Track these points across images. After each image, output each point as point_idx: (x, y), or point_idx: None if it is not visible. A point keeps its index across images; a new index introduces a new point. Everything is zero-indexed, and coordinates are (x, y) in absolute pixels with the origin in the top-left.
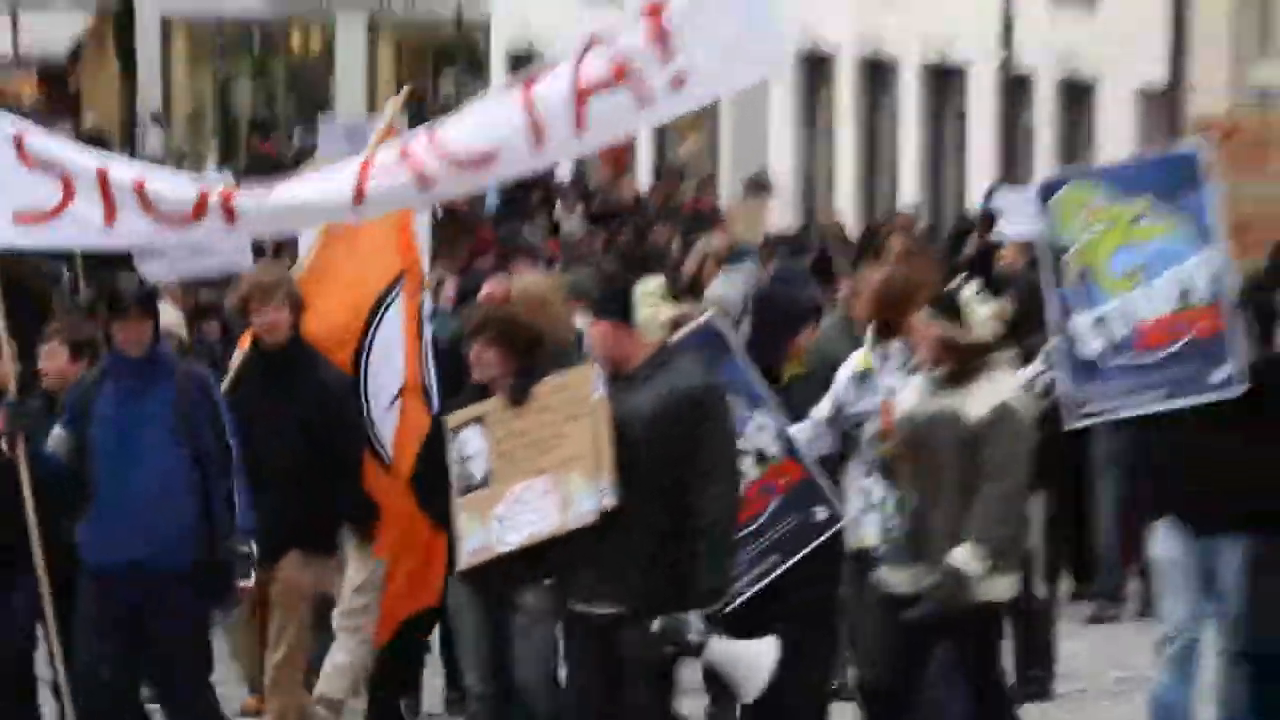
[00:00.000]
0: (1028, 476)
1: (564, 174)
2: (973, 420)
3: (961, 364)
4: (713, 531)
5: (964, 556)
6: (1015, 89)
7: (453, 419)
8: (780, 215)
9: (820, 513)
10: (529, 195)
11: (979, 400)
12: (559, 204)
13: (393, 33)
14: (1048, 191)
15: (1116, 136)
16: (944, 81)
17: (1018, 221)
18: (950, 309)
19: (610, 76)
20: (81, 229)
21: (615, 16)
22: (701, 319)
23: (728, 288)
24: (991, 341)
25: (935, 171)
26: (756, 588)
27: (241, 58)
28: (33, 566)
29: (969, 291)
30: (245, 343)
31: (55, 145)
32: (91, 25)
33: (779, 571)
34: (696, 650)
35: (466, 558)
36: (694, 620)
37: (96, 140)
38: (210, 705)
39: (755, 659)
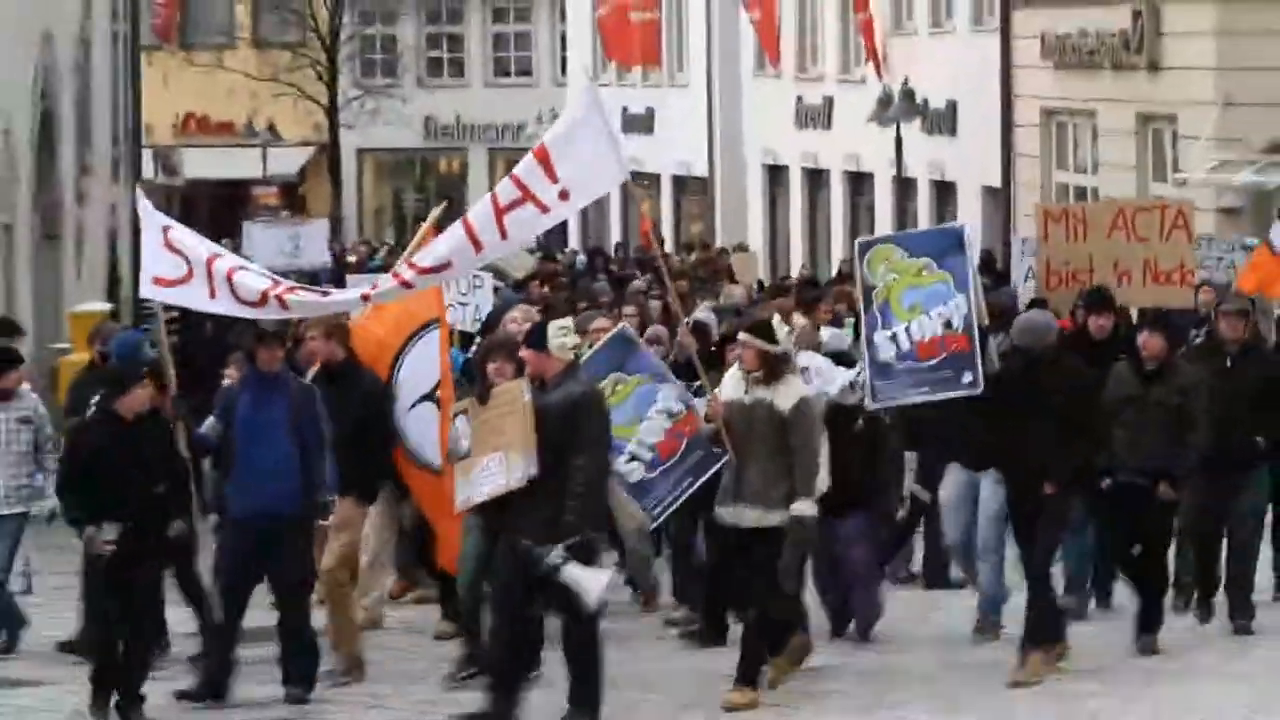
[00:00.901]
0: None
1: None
2: (784, 410)
3: (771, 369)
4: (585, 490)
5: (802, 506)
6: (904, 188)
7: (453, 408)
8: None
9: (716, 447)
10: (595, 259)
11: (785, 396)
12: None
13: (504, 156)
14: (864, 248)
15: (970, 219)
16: (858, 183)
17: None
18: (765, 330)
19: (518, 198)
20: (194, 299)
21: (645, 140)
22: (614, 329)
23: (703, 313)
24: (790, 352)
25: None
26: (681, 500)
27: (408, 175)
28: (183, 509)
29: (777, 318)
30: (317, 363)
31: (189, 237)
32: (313, 155)
33: (694, 488)
34: (555, 572)
35: (460, 504)
36: (556, 550)
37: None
38: (308, 601)
39: (591, 582)
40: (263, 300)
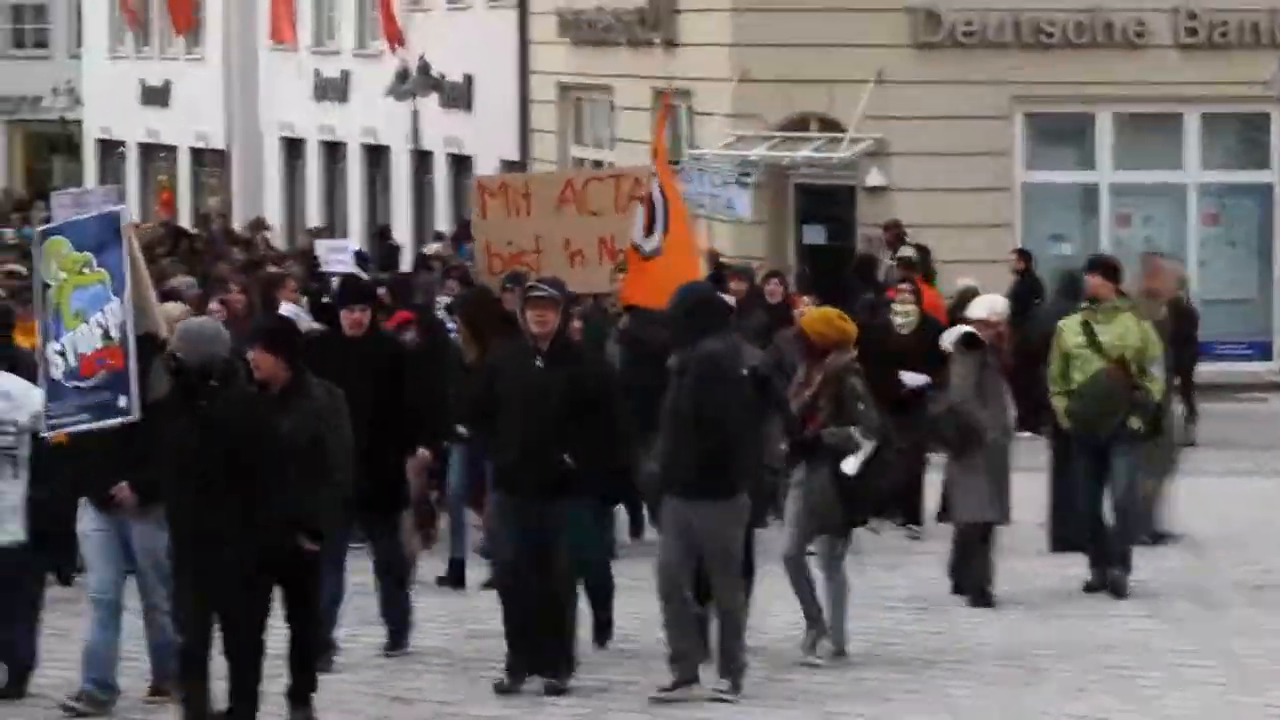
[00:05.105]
0: None
1: None
2: None
3: None
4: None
5: None
6: (422, 161)
7: None
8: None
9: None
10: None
11: None
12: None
13: (21, 129)
14: (41, 240)
15: None
16: (376, 156)
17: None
18: None
19: None
20: None
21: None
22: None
23: None
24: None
25: (372, 214)
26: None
27: None
28: None
29: None
30: None
31: None
32: None
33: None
34: None
35: None
36: None
37: None
38: None
39: None
40: None
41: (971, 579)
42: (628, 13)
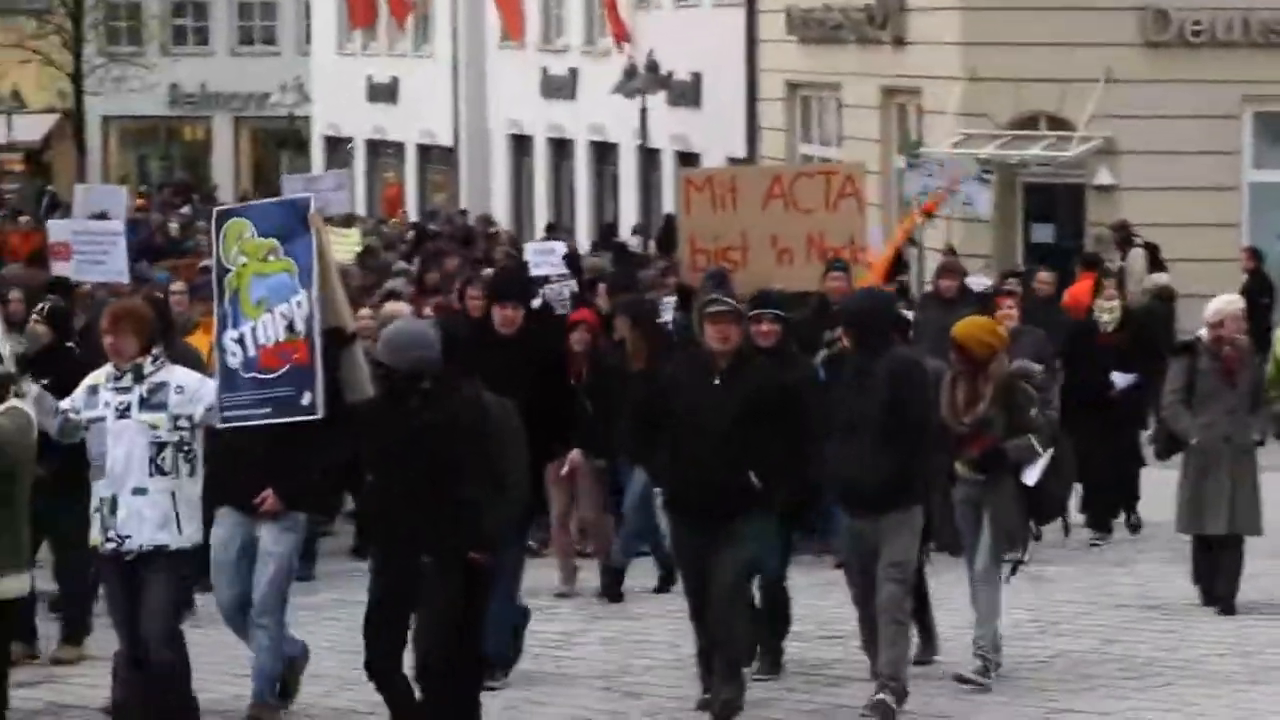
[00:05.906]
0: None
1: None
2: None
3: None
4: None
5: None
6: (649, 159)
7: None
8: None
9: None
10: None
11: None
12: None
13: (249, 125)
14: (220, 221)
15: None
16: (604, 153)
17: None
18: None
19: None
20: None
21: (389, 110)
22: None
23: None
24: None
25: (600, 212)
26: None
27: (153, 143)
28: None
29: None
30: None
31: None
32: (57, 122)
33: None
34: None
35: None
36: None
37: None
38: None
39: None
40: None
41: (1211, 586)
42: (856, 10)
